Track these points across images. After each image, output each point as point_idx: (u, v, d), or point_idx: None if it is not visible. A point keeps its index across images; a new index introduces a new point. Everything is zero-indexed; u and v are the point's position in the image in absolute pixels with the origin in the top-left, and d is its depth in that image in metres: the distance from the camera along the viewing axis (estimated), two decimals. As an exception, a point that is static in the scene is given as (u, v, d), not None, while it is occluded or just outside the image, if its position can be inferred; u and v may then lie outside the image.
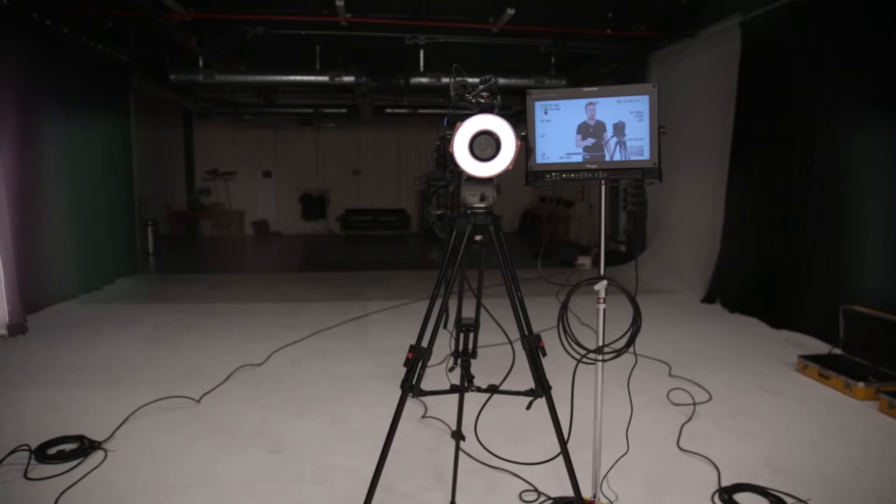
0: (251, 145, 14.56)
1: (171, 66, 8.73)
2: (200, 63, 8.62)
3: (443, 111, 12.92)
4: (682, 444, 3.14)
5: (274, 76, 9.13)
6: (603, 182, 2.12)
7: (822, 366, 4.11)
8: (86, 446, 3.06)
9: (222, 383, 4.07)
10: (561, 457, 2.03)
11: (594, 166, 2.09)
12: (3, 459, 2.91)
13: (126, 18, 7.47)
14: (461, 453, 2.58)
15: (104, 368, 4.41)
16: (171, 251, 11.45)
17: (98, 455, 3.02)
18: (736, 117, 6.45)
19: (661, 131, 2.04)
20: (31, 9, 5.98)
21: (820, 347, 4.76)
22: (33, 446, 3.02)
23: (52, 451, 3.02)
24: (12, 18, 5.62)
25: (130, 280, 8.12)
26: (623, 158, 2.07)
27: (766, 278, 5.86)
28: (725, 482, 2.74)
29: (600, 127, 2.08)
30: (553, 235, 12.78)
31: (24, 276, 1.24)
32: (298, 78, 9.00)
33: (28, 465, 2.89)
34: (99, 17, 7.27)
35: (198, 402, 3.75)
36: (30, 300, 1.36)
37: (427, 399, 3.55)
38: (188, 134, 13.99)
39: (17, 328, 1.34)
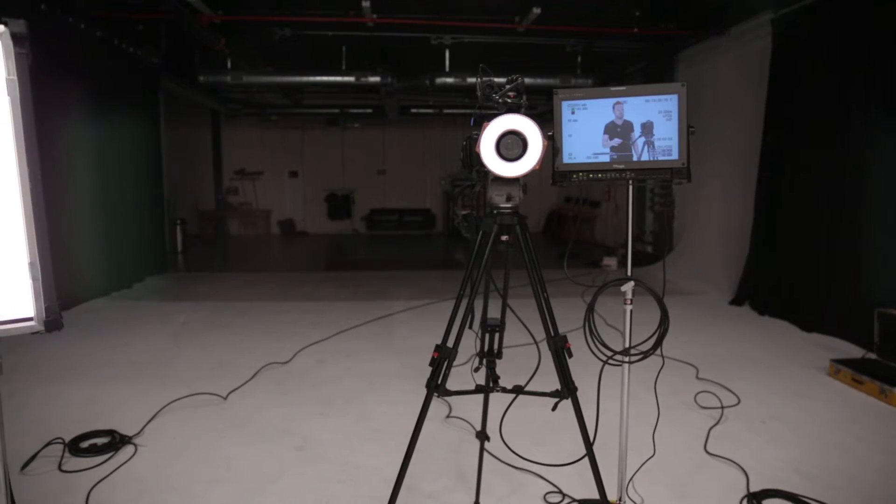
0: (278, 145, 14.70)
1: (199, 67, 8.85)
2: (228, 64, 8.73)
3: (468, 111, 12.91)
4: (709, 448, 3.09)
5: (300, 77, 9.21)
6: (630, 182, 2.10)
7: (856, 370, 4.01)
8: (117, 441, 3.13)
9: (249, 381, 4.12)
10: (586, 459, 2.02)
11: (622, 166, 2.07)
12: (39, 452, 2.99)
13: (157, 21, 7.60)
14: (485, 454, 2.58)
15: (135, 364, 4.49)
16: (200, 250, 11.62)
17: (128, 449, 3.08)
18: (766, 116, 6.33)
19: (690, 131, 2.02)
20: (67, 13, 6.13)
21: (853, 352, 4.65)
22: (67, 439, 3.09)
23: (85, 444, 3.09)
24: (49, 22, 5.77)
25: (160, 278, 8.26)
26: (651, 158, 2.05)
27: (798, 280, 5.75)
28: (754, 488, 2.69)
29: (628, 127, 2.06)
30: (579, 236, 12.69)
31: (57, 274, 1.27)
32: (325, 78, 9.07)
33: (62, 457, 2.96)
34: (131, 20, 7.40)
35: (225, 398, 3.80)
36: (63, 297, 1.39)
37: (451, 399, 3.55)
38: (216, 134, 14.18)
39: (53, 324, 1.37)
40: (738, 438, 3.23)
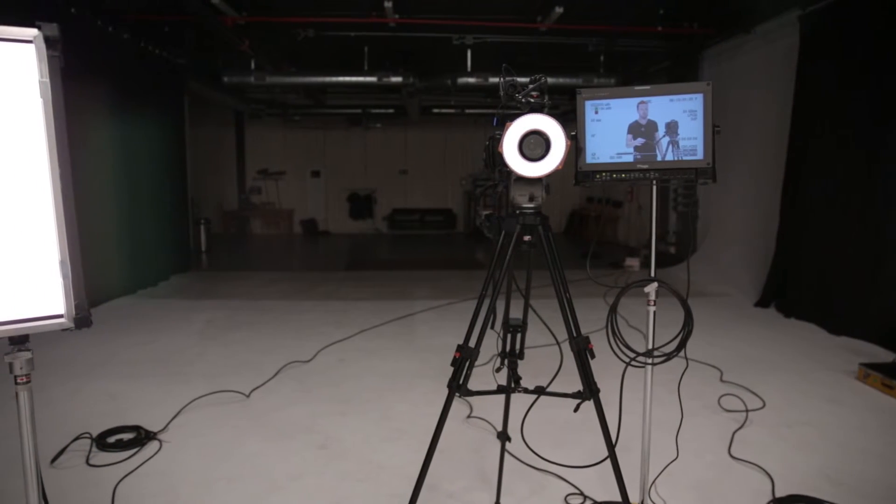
0: (300, 145, 14.82)
1: (224, 68, 8.96)
2: (252, 65, 8.82)
3: (490, 111, 12.94)
4: (733, 452, 3.05)
5: (323, 77, 9.26)
6: (654, 182, 2.08)
7: (886, 375, 3.93)
8: (142, 436, 3.18)
9: (271, 379, 4.15)
10: (608, 461, 2.00)
11: (645, 166, 2.05)
12: (68, 446, 3.05)
13: (182, 24, 7.70)
14: (506, 454, 2.57)
15: (160, 362, 4.56)
16: (223, 249, 11.75)
17: (153, 445, 3.13)
18: (793, 115, 6.23)
19: (715, 130, 1.99)
20: (96, 16, 6.25)
21: (883, 355, 4.56)
22: (94, 434, 3.15)
23: (112, 439, 3.14)
24: (78, 25, 5.89)
25: (184, 277, 8.37)
26: (675, 158, 2.03)
27: (826, 282, 5.65)
28: (780, 493, 2.65)
29: (652, 126, 2.04)
30: (601, 236, 12.60)
31: (85, 272, 1.30)
32: (347, 79, 9.11)
33: (90, 452, 3.02)
34: (157, 22, 7.52)
35: (247, 396, 3.84)
36: (90, 295, 1.43)
37: (472, 399, 3.54)
38: (240, 134, 14.33)
39: (82, 321, 1.40)
40: (763, 443, 3.18)
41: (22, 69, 1.41)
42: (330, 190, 15.05)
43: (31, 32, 1.40)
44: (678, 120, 2.01)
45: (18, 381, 1.50)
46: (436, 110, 12.78)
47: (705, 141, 2.00)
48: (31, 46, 1.41)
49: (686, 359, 2.14)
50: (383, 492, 2.69)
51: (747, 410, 3.56)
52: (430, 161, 15.12)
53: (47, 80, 1.42)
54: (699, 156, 2.01)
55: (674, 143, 2.03)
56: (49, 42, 1.40)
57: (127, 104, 6.93)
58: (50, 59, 1.41)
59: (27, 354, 1.51)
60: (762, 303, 6.45)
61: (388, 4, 6.56)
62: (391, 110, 13.09)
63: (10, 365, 1.49)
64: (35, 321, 1.47)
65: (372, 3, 6.87)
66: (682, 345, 2.07)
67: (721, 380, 4.13)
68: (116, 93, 6.70)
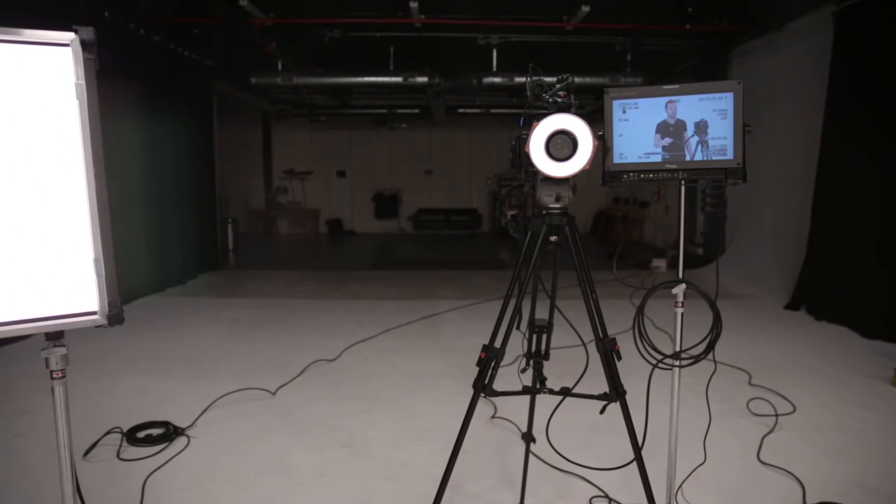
0: (326, 145, 14.93)
1: (251, 69, 9.07)
2: (279, 66, 8.91)
3: (515, 111, 12.88)
4: (762, 457, 3.00)
5: (349, 78, 9.32)
6: (682, 183, 2.05)
7: (921, 380, 3.83)
8: (171, 432, 3.23)
9: (297, 377, 4.19)
10: (634, 464, 1.99)
11: (674, 166, 2.03)
12: (99, 440, 3.11)
13: (211, 26, 7.82)
14: (531, 456, 2.56)
15: (188, 359, 4.63)
16: (250, 248, 11.89)
17: (181, 441, 3.18)
18: (826, 114, 6.10)
19: (746, 130, 1.96)
20: (128, 19, 6.38)
21: (918, 360, 4.44)
22: (125, 429, 3.21)
23: (141, 434, 3.20)
24: (111, 29, 6.02)
25: (212, 275, 8.49)
26: (705, 158, 2.01)
27: (859, 284, 5.52)
28: (811, 500, 2.60)
29: (681, 126, 2.01)
30: (627, 237, 12.48)
31: (116, 270, 1.34)
32: (373, 79, 9.16)
33: (120, 446, 3.08)
34: (186, 24, 7.64)
35: (273, 394, 3.88)
36: (121, 293, 1.46)
37: (496, 399, 3.53)
38: (266, 135, 14.49)
39: (115, 318, 1.43)
40: (793, 448, 3.13)
41: (59, 72, 1.45)
42: (355, 190, 15.14)
43: (69, 36, 1.43)
44: (708, 119, 1.99)
45: (54, 375, 1.54)
46: (461, 110, 12.77)
47: (735, 140, 1.97)
48: (68, 50, 1.44)
49: (714, 361, 2.11)
50: (407, 491, 2.70)
51: (777, 415, 3.49)
52: (455, 161, 15.13)
53: (83, 82, 1.45)
54: (729, 155, 1.98)
55: (703, 143, 2.00)
56: (85, 45, 1.44)
57: (157, 105, 7.06)
58: (86, 61, 1.44)
59: (62, 350, 1.55)
60: (792, 305, 6.33)
61: (413, 4, 6.59)
62: (416, 110, 13.12)
63: (46, 360, 1.53)
64: (70, 318, 1.50)
65: (398, 3, 6.90)
66: (710, 347, 2.04)
67: (750, 383, 4.06)
68: (146, 94, 6.82)
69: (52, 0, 5.29)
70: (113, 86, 5.95)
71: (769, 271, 7.16)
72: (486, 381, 1.99)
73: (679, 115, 2.01)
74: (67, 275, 1.49)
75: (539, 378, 2.17)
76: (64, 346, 1.55)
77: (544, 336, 2.17)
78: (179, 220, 7.68)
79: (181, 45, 7.67)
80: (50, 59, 1.44)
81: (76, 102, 1.46)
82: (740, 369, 4.30)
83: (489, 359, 1.99)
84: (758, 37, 7.62)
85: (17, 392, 3.82)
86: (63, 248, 1.49)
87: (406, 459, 3.00)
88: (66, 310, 1.50)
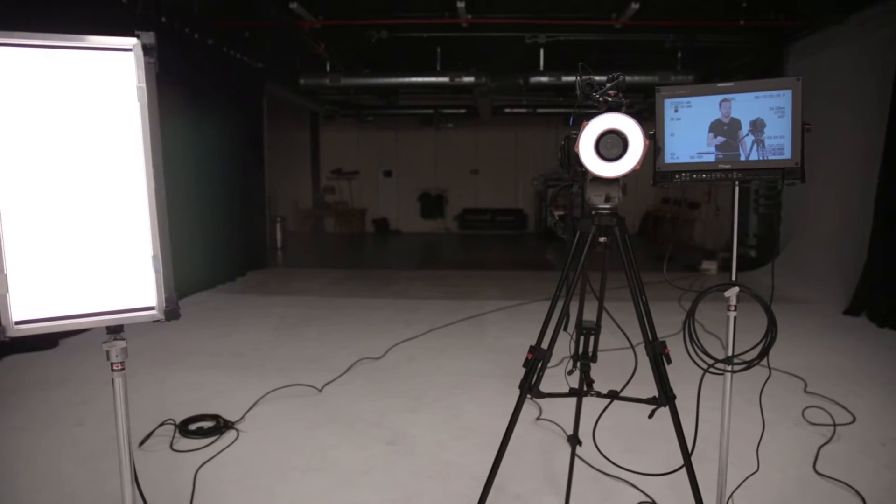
0: (373, 145, 15.09)
1: (300, 71, 9.23)
2: (328, 67, 9.05)
3: (562, 110, 12.74)
4: (819, 468, 2.89)
5: (396, 78, 9.39)
6: (736, 183, 2.00)
7: None
8: (221, 425, 3.32)
9: (342, 374, 4.25)
10: (683, 470, 1.94)
11: (728, 166, 1.98)
12: (154, 431, 3.22)
13: (262, 29, 8.00)
14: (576, 459, 2.53)
15: (237, 354, 4.75)
16: (297, 247, 12.11)
17: (231, 434, 3.26)
18: (891, 111, 5.84)
19: (805, 128, 1.89)
20: (183, 24, 6.58)
21: None
22: (177, 421, 3.31)
23: (193, 427, 3.29)
24: (168, 33, 6.22)
25: (260, 273, 8.68)
26: (760, 158, 1.95)
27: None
28: (871, 513, 2.50)
29: (735, 125, 1.96)
30: (676, 238, 12.21)
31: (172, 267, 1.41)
32: (419, 79, 9.20)
33: (173, 437, 3.18)
34: (238, 28, 7.84)
35: (320, 391, 3.94)
36: (175, 289, 1.53)
37: (542, 401, 3.51)
38: (315, 135, 14.73)
39: (171, 313, 1.48)
40: (852, 460, 3.00)
41: (121, 75, 1.51)
42: (401, 189, 15.25)
43: (131, 41, 1.49)
44: (764, 118, 1.93)
45: (114, 367, 1.60)
46: (507, 110, 12.73)
47: (794, 139, 1.91)
48: (130, 54, 1.50)
49: (769, 367, 2.04)
50: (451, 490, 2.70)
51: (835, 424, 3.36)
52: (500, 161, 15.08)
53: (144, 85, 1.50)
54: (786, 155, 1.92)
55: (759, 142, 1.95)
56: (146, 49, 1.49)
57: (209, 107, 7.25)
58: (146, 65, 1.49)
59: (122, 343, 1.61)
60: (852, 311, 6.08)
61: (460, 4, 6.59)
62: (463, 110, 13.14)
63: (108, 353, 1.59)
64: (130, 312, 1.56)
65: (444, 3, 6.92)
66: (764, 352, 1.98)
67: (805, 391, 3.92)
68: (199, 96, 7.02)
69: (113, 7, 5.50)
70: (168, 88, 6.10)
71: (826, 275, 6.89)
72: (533, 383, 1.98)
73: (733, 114, 1.96)
74: (127, 271, 1.55)
75: (586, 380, 2.14)
76: (124, 339, 1.61)
77: (592, 338, 2.14)
78: (230, 219, 7.87)
79: (233, 48, 7.87)
80: (113, 64, 1.50)
81: (137, 105, 1.51)
82: (795, 376, 4.16)
83: (536, 360, 1.98)
84: (817, 31, 7.35)
85: (79, 381, 3.99)
86: (124, 245, 1.55)
87: (450, 458, 3.01)
88: (126, 305, 1.56)
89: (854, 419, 3.47)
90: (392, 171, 15.25)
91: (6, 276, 1.42)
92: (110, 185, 1.53)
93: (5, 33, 1.40)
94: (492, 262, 10.19)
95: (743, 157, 1.96)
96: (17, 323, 1.45)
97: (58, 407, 3.59)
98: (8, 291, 1.42)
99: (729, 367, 2.05)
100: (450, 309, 6.28)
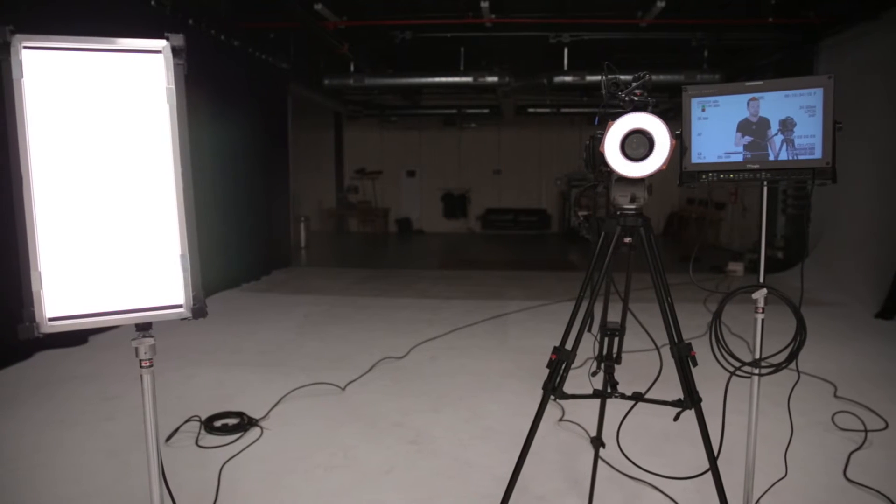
0: (396, 145, 15.14)
1: (324, 71, 9.30)
2: (352, 67, 9.10)
3: (586, 110, 12.64)
4: (849, 475, 2.83)
5: (420, 78, 9.41)
6: (765, 183, 1.97)
7: None
8: (245, 422, 3.35)
9: (365, 373, 4.27)
10: (708, 474, 1.92)
11: (756, 166, 1.95)
12: (180, 427, 3.27)
13: (287, 30, 8.07)
14: (600, 460, 2.51)
15: (262, 352, 4.80)
16: (321, 246, 12.19)
17: (255, 431, 3.30)
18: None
19: (836, 127, 1.86)
20: (210, 26, 6.68)
21: None
22: (203, 417, 3.36)
23: (218, 423, 3.33)
24: (194, 35, 6.31)
25: (284, 272, 8.76)
26: (790, 157, 1.91)
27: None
28: (903, 521, 2.44)
29: (764, 124, 1.93)
30: (702, 239, 12.06)
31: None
32: (443, 79, 9.21)
33: (199, 434, 3.22)
34: (263, 29, 7.92)
35: (343, 389, 3.97)
36: (202, 287, 1.58)
37: (564, 402, 3.49)
38: (338, 135, 14.81)
39: (199, 311, 1.51)
40: (884, 466, 2.93)
41: (150, 77, 1.53)
42: (424, 189, 15.28)
43: (161, 43, 1.51)
44: (794, 117, 1.89)
45: (143, 364, 1.63)
46: (531, 110, 12.68)
47: (825, 139, 1.87)
48: (160, 56, 1.52)
49: (798, 371, 2.01)
50: (473, 490, 2.70)
51: (866, 430, 3.29)
52: (524, 161, 15.03)
53: (173, 86, 1.53)
54: (817, 154, 1.88)
55: (788, 142, 1.91)
56: (175, 52, 1.52)
57: (234, 107, 7.34)
58: (175, 67, 1.52)
59: (150, 340, 1.63)
60: (884, 314, 5.94)
61: (484, 5, 6.59)
62: (486, 110, 13.13)
63: (136, 349, 1.62)
64: (158, 310, 1.59)
65: (468, 3, 6.92)
66: (793, 356, 1.95)
67: (835, 395, 3.84)
68: (225, 96, 7.11)
69: (143, 10, 5.60)
70: (195, 89, 6.23)
71: (857, 277, 6.75)
72: (557, 384, 1.97)
73: (762, 113, 1.93)
74: (156, 269, 1.58)
75: (610, 382, 2.13)
76: (152, 336, 1.64)
77: (616, 339, 2.12)
78: (254, 218, 7.96)
79: (258, 49, 7.95)
80: (143, 66, 1.52)
81: (167, 106, 1.54)
82: (824, 380, 4.08)
83: (560, 361, 1.97)
84: (850, 28, 7.19)
85: (109, 377, 4.06)
86: (153, 244, 1.57)
87: (471, 458, 3.01)
88: (155, 303, 1.58)
89: (887, 425, 3.39)
90: (415, 170, 15.29)
91: (40, 273, 1.45)
92: (140, 184, 1.55)
93: (41, 37, 1.43)
94: (515, 263, 10.16)
95: (772, 157, 1.93)
96: (51, 319, 1.49)
97: (88, 402, 3.67)
98: (42, 288, 1.46)
99: (756, 371, 2.02)
100: (472, 309, 6.28)
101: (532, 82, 9.26)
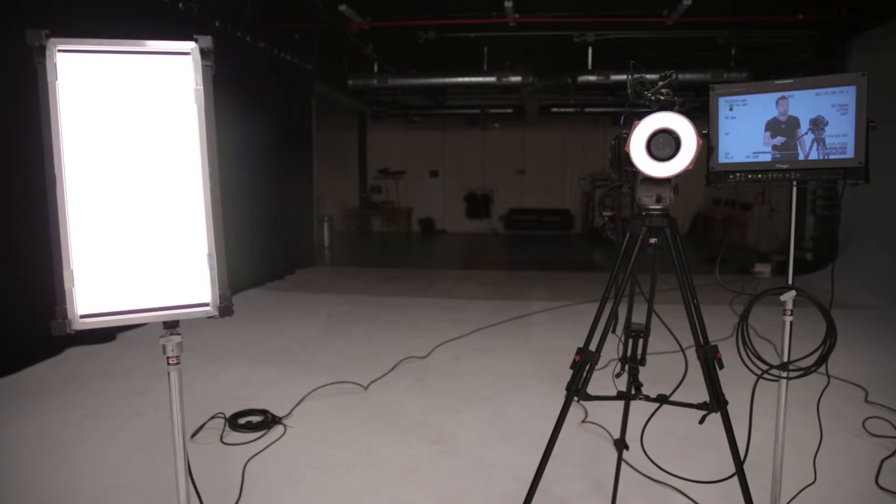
0: (420, 146, 15.17)
1: (349, 71, 9.35)
2: (375, 68, 9.14)
3: (610, 109, 12.55)
4: (881, 482, 2.77)
5: (443, 78, 9.43)
6: (794, 184, 1.94)
7: None
8: (269, 420, 3.38)
9: (388, 373, 4.28)
10: (734, 478, 1.89)
11: (785, 166, 1.91)
12: (205, 424, 3.31)
13: (311, 31, 8.14)
14: (623, 463, 2.49)
15: (286, 351, 4.84)
16: (345, 246, 12.26)
17: (279, 429, 3.33)
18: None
19: (870, 126, 1.82)
20: (236, 27, 6.76)
21: None
22: (227, 415, 3.40)
23: (242, 421, 3.37)
24: (221, 37, 6.40)
25: (308, 271, 8.83)
26: (820, 157, 1.88)
27: None
28: (937, 530, 2.38)
29: (793, 123, 1.89)
30: (728, 240, 11.89)
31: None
32: (466, 79, 9.22)
33: (223, 431, 3.26)
34: (288, 31, 7.99)
35: (365, 388, 3.98)
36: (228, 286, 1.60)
37: (587, 403, 3.47)
38: (362, 135, 14.89)
39: (225, 310, 1.53)
40: (916, 473, 2.87)
41: (179, 78, 1.55)
42: (448, 189, 15.29)
43: (189, 45, 1.54)
44: (825, 115, 1.86)
45: (170, 361, 1.65)
46: (554, 109, 12.61)
47: (857, 138, 1.83)
48: (188, 58, 1.54)
49: (827, 375, 1.97)
50: (495, 491, 2.70)
51: (898, 436, 3.22)
52: (547, 161, 14.97)
53: (201, 87, 1.55)
54: (849, 154, 1.84)
55: (819, 141, 1.88)
56: (204, 53, 1.54)
57: (260, 108, 7.42)
58: (203, 68, 1.54)
59: (178, 338, 1.66)
60: (917, 317, 5.81)
61: (508, 4, 6.57)
62: (509, 110, 13.10)
63: (164, 347, 1.64)
64: (185, 308, 1.61)
65: (492, 3, 6.91)
66: (822, 359, 1.91)
67: (866, 400, 3.76)
68: (250, 97, 7.19)
69: (171, 12, 5.68)
70: (221, 89, 6.30)
71: (889, 279, 6.60)
72: (580, 385, 1.96)
73: (791, 112, 1.90)
74: (184, 268, 1.60)
75: (635, 384, 2.11)
76: (179, 334, 1.66)
77: (641, 341, 2.10)
78: (279, 218, 8.03)
79: (283, 50, 8.03)
80: (171, 67, 1.55)
81: (195, 107, 1.56)
82: (855, 385, 3.99)
83: (584, 362, 1.95)
84: (884, 23, 7.02)
85: (137, 374, 4.13)
86: (180, 243, 1.60)
87: (494, 459, 3.00)
88: (182, 301, 1.61)
89: (919, 431, 3.31)
90: (438, 171, 15.31)
91: (73, 271, 1.48)
92: (168, 184, 1.58)
93: (74, 40, 1.46)
94: (538, 263, 10.12)
95: (802, 157, 1.90)
96: (82, 317, 1.52)
97: (116, 397, 3.74)
98: (74, 286, 1.49)
99: (784, 374, 1.99)
100: (495, 309, 6.27)
101: (556, 82, 9.21)
